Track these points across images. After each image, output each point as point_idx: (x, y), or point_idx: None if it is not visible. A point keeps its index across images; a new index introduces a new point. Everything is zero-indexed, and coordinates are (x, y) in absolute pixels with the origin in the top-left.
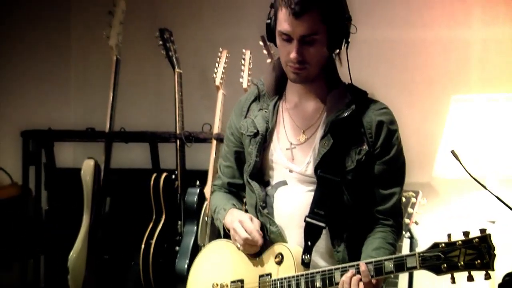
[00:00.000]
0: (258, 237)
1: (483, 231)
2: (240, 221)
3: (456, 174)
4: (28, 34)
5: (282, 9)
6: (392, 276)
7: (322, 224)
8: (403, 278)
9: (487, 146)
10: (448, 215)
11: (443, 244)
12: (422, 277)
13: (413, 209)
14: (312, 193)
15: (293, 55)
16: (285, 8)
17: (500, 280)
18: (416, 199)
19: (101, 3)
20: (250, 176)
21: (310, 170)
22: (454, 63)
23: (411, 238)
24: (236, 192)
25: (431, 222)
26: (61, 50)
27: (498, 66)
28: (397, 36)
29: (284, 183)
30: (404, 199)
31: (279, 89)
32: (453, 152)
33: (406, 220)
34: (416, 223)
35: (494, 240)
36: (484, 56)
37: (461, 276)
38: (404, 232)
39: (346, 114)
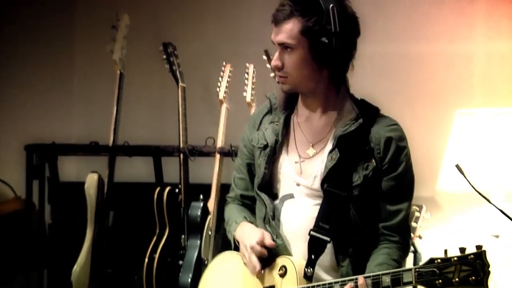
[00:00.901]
0: (259, 250)
1: (479, 247)
2: (250, 237)
3: (460, 188)
4: (32, 48)
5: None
6: None
7: (327, 238)
8: None
9: (491, 160)
10: (451, 229)
11: (439, 260)
12: None
13: (416, 223)
14: (319, 207)
15: (272, 62)
16: (272, 18)
17: None
18: (420, 213)
19: (105, 18)
20: (259, 188)
21: (317, 184)
22: (458, 77)
23: (415, 252)
24: (249, 204)
25: (435, 236)
26: (65, 64)
27: (501, 80)
28: (400, 50)
29: (291, 196)
30: None
31: (291, 103)
32: (457, 166)
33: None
34: (420, 237)
35: (498, 254)
36: (488, 70)
37: None
38: None
39: (353, 128)
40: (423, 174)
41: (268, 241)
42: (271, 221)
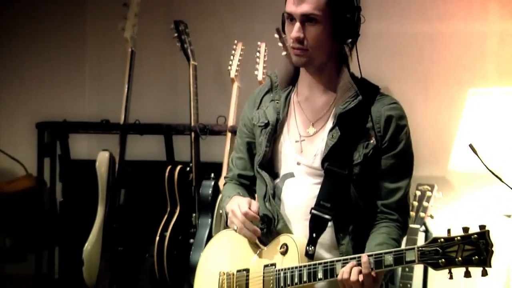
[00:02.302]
0: (252, 214)
1: (482, 227)
2: (238, 204)
3: (472, 168)
4: (43, 27)
5: None
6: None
7: (328, 217)
8: (418, 271)
9: (504, 139)
10: (463, 208)
11: (442, 239)
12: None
13: (428, 203)
14: (319, 186)
15: (293, 33)
16: None
17: None
18: (431, 192)
19: None
20: (260, 166)
21: (317, 162)
22: (471, 56)
23: (426, 231)
24: (247, 184)
25: (446, 215)
26: (76, 42)
27: None
28: (413, 29)
29: (291, 175)
30: (419, 193)
31: (292, 81)
32: (471, 146)
33: (422, 214)
34: (431, 216)
35: (510, 234)
36: (501, 49)
37: (477, 272)
38: (419, 226)
39: (352, 105)
40: (435, 153)
41: (254, 207)
42: (271, 199)
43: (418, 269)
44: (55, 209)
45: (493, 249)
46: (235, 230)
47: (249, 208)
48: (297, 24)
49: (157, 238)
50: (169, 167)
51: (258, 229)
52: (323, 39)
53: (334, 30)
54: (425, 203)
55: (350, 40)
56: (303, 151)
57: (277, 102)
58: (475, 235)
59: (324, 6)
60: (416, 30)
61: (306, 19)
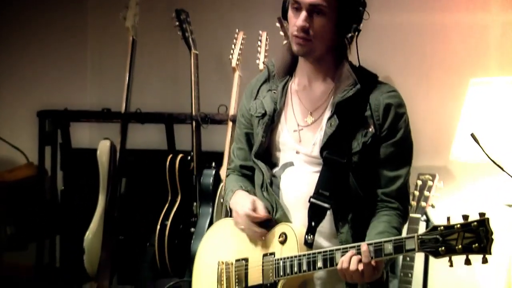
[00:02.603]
0: (254, 216)
1: (482, 214)
2: (241, 205)
3: (474, 158)
4: (44, 16)
5: None
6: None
7: (327, 205)
8: (419, 261)
9: (505, 129)
10: (464, 198)
11: (442, 227)
12: (438, 260)
13: (429, 192)
14: (318, 175)
15: (299, 22)
16: None
17: None
18: (433, 182)
19: None
20: (256, 156)
21: (316, 151)
22: (473, 47)
23: (428, 221)
24: (249, 175)
25: (448, 205)
26: (78, 31)
27: None
28: (415, 21)
29: (291, 164)
30: (420, 182)
31: (289, 71)
32: (473, 135)
33: (423, 203)
34: (433, 206)
35: (509, 223)
36: (503, 40)
37: (478, 263)
38: (420, 215)
39: (350, 93)
40: (437, 143)
41: (260, 211)
42: (269, 188)
43: (419, 259)
44: (56, 197)
45: (493, 236)
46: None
47: (253, 210)
48: (304, 13)
49: (158, 227)
50: (170, 156)
51: (262, 231)
52: (327, 30)
53: (339, 23)
54: (426, 193)
55: (350, 34)
56: (301, 140)
57: (274, 92)
58: (475, 223)
59: None
60: (418, 22)
61: (313, 9)
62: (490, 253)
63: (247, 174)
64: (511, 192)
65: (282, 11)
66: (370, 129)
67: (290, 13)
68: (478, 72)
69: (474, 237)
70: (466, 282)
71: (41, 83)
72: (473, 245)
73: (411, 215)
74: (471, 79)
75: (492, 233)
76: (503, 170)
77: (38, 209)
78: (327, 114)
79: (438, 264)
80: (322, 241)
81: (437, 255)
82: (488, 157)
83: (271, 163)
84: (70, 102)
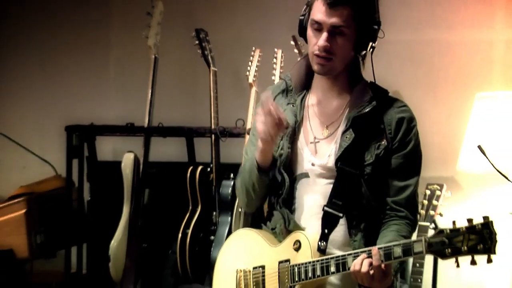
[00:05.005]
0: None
1: (485, 218)
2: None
3: (480, 168)
4: (72, 37)
5: (318, 0)
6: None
7: (339, 214)
8: (428, 265)
9: (510, 141)
10: (471, 207)
11: (448, 230)
12: (446, 265)
13: (437, 202)
14: (331, 186)
15: (321, 42)
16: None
17: None
18: (441, 191)
19: (140, 5)
20: (283, 167)
21: (331, 162)
22: (478, 63)
23: (436, 229)
24: None
25: (455, 214)
26: (102, 49)
27: None
28: (423, 38)
29: (306, 175)
30: (429, 192)
31: (305, 86)
32: (479, 147)
33: (431, 212)
34: (441, 214)
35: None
36: (507, 56)
37: (484, 271)
38: (429, 224)
39: (367, 110)
40: (445, 154)
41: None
42: (284, 201)
43: (428, 265)
44: (83, 208)
45: (497, 237)
46: (263, 140)
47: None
48: (325, 34)
49: (180, 235)
50: (190, 168)
51: (282, 118)
52: (346, 49)
53: (357, 42)
54: (434, 202)
55: (365, 51)
56: (317, 152)
57: (293, 105)
58: (479, 225)
59: (351, 20)
60: (426, 38)
61: (334, 30)
62: (495, 253)
63: None
64: None
65: (299, 29)
66: (383, 142)
67: (310, 32)
68: (483, 87)
69: (478, 239)
70: (473, 285)
71: (68, 100)
72: (478, 246)
73: (420, 223)
74: (477, 93)
75: (496, 234)
76: (508, 180)
77: (66, 219)
78: (342, 127)
79: (446, 270)
80: (335, 251)
81: (444, 256)
82: (494, 167)
83: (289, 172)
84: (95, 117)
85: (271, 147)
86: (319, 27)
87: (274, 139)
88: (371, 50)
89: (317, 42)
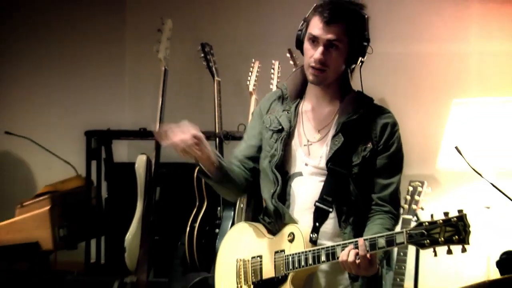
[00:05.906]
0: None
1: (460, 211)
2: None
3: (457, 167)
4: (92, 52)
5: (315, 17)
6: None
7: (329, 209)
8: (411, 254)
9: (484, 143)
10: (449, 201)
11: (426, 223)
12: (427, 254)
13: (419, 197)
14: (323, 183)
15: (317, 55)
16: (318, 16)
17: (497, 258)
18: (422, 188)
19: (151, 22)
20: (276, 167)
21: (322, 163)
22: (455, 73)
23: (418, 221)
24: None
25: (435, 207)
26: (118, 62)
27: (493, 75)
28: (405, 50)
29: (300, 174)
30: (411, 188)
31: (300, 93)
32: (456, 148)
33: (413, 206)
34: (422, 208)
35: (488, 222)
36: (481, 66)
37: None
38: (411, 217)
39: (355, 116)
40: (425, 155)
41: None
42: (279, 197)
43: (411, 254)
44: (101, 204)
45: (470, 229)
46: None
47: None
48: (321, 48)
49: (188, 228)
50: (197, 168)
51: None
52: (339, 62)
53: (348, 56)
54: (416, 197)
55: (355, 65)
56: (310, 153)
57: (288, 112)
58: (455, 218)
59: (344, 36)
60: (408, 51)
61: (329, 44)
62: (469, 243)
63: (236, 164)
64: (489, 195)
65: (296, 42)
66: (369, 145)
67: (307, 45)
68: (459, 94)
69: (454, 230)
70: (451, 272)
71: (87, 108)
72: (454, 237)
73: (403, 216)
74: (454, 99)
75: (469, 226)
76: (481, 176)
77: (86, 214)
78: (332, 131)
79: (427, 258)
80: (326, 242)
81: (423, 246)
82: (470, 165)
83: (283, 172)
84: (112, 123)
85: (201, 156)
86: (315, 41)
87: (192, 152)
88: (360, 64)
89: (313, 55)
